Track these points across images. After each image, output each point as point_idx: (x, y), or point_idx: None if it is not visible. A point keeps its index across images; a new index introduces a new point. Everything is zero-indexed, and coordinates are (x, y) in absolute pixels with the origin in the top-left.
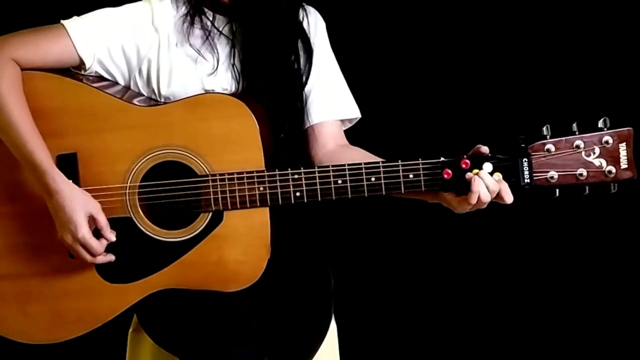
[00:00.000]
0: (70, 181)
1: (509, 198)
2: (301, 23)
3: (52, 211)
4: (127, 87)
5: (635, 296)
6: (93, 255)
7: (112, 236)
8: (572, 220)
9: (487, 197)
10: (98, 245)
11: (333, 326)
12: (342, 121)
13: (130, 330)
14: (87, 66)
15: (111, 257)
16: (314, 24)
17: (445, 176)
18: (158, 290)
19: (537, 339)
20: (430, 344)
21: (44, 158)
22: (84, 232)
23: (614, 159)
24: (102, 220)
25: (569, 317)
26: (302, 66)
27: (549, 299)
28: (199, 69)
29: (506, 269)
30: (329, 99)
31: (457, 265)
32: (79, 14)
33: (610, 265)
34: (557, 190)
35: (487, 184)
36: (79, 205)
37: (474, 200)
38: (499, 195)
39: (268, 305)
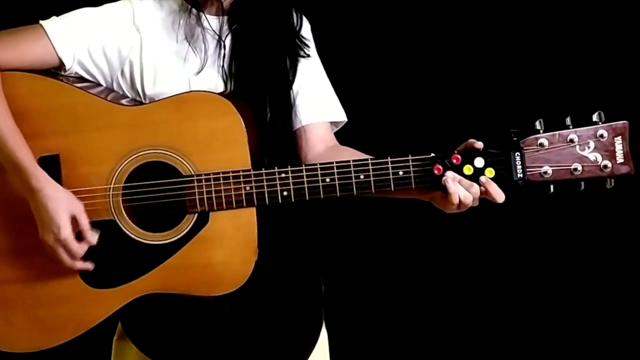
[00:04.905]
0: (54, 180)
1: (499, 198)
2: (290, 21)
3: (34, 211)
4: (110, 89)
5: (634, 295)
6: (73, 258)
7: (93, 239)
8: (568, 217)
9: (467, 199)
10: (78, 248)
11: (324, 334)
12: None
13: (115, 338)
14: (67, 67)
15: (89, 266)
16: (299, 25)
17: (436, 172)
18: (143, 296)
19: (536, 339)
20: (423, 351)
21: (26, 157)
22: (67, 233)
23: (609, 153)
24: (84, 223)
25: (566, 315)
26: (288, 65)
27: (545, 299)
28: (186, 67)
29: (501, 270)
30: (317, 101)
31: (449, 271)
32: (58, 14)
33: (608, 263)
34: (552, 186)
35: (463, 185)
36: (62, 206)
37: (455, 200)
38: (488, 195)
39: (257, 313)
